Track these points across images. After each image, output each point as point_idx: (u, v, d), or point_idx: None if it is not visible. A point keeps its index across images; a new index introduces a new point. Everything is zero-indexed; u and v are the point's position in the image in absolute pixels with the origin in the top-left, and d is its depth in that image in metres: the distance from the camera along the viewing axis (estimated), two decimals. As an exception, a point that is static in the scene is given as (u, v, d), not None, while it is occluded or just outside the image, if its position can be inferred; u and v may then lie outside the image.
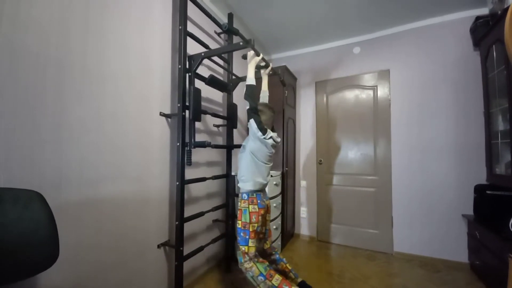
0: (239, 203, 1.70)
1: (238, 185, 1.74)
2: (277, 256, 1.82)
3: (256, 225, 1.62)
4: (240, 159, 1.74)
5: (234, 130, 2.41)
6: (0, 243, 0.82)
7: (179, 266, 1.65)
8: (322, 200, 3.14)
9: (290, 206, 3.06)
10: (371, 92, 2.91)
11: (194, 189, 2.06)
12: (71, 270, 1.19)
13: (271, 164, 1.79)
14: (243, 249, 1.61)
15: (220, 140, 2.45)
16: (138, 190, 1.58)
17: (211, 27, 2.27)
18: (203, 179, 1.96)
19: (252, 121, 1.62)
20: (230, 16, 2.38)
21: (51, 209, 0.96)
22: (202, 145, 1.73)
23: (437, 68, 2.57)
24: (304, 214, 3.24)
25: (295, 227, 3.29)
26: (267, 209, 1.77)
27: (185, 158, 1.72)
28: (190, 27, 1.95)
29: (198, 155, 2.10)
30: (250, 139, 1.68)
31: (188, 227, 1.90)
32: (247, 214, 1.63)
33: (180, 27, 1.76)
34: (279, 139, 1.75)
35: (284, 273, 1.72)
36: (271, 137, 1.66)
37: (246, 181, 1.68)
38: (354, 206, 2.93)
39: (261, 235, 1.78)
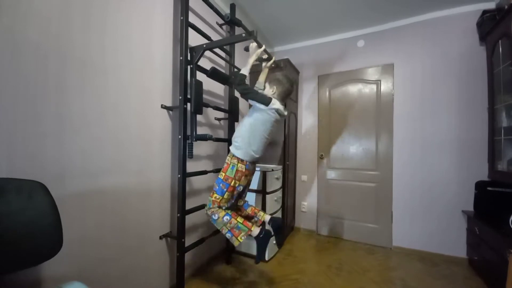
0: (228, 157, 1.66)
1: (230, 147, 1.68)
2: (246, 203, 1.86)
3: (238, 183, 1.62)
4: (240, 124, 1.69)
5: (236, 123, 2.40)
6: (4, 233, 0.83)
7: (180, 257, 1.67)
8: (323, 195, 3.15)
9: (290, 200, 3.07)
10: (374, 87, 2.88)
11: (195, 182, 2.07)
12: (75, 259, 1.21)
13: (270, 138, 1.72)
14: (216, 197, 1.60)
15: (221, 134, 2.45)
16: (140, 182, 1.58)
17: (213, 18, 2.23)
18: (204, 172, 1.97)
19: (251, 100, 1.59)
20: (233, 7, 2.34)
21: (54, 200, 0.96)
22: (204, 138, 1.73)
23: (442, 62, 2.53)
24: (305, 208, 3.26)
25: (295, 221, 3.31)
26: (252, 171, 1.75)
27: (187, 151, 1.72)
28: (192, 18, 1.93)
29: (199, 148, 2.10)
30: (254, 110, 1.63)
31: (190, 219, 1.92)
32: (234, 170, 1.60)
33: (182, 18, 1.73)
34: (286, 112, 1.69)
35: (252, 216, 1.80)
36: (277, 110, 1.60)
37: (239, 148, 1.62)
38: (354, 200, 2.94)
39: (241, 194, 1.79)
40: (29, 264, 0.91)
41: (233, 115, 2.29)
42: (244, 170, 1.62)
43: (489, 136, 2.22)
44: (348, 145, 3.01)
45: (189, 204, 1.85)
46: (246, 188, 1.82)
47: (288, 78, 1.71)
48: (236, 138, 1.65)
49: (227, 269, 2.21)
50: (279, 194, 2.62)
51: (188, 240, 1.84)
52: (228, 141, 2.32)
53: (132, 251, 1.54)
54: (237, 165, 1.61)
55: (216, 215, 1.58)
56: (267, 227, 1.70)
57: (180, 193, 1.70)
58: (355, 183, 2.95)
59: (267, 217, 1.77)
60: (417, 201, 2.61)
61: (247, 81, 1.68)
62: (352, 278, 2.09)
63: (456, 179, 2.44)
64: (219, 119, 2.34)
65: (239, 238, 1.54)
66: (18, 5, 1.01)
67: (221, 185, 1.61)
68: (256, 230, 1.56)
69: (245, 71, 1.64)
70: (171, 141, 1.83)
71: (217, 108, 2.11)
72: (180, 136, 1.71)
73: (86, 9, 1.26)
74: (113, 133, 1.41)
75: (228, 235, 1.56)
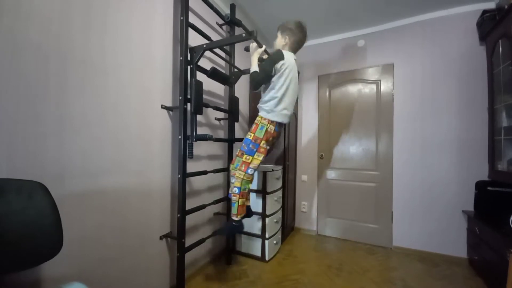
0: (258, 118, 1.66)
1: (260, 113, 1.68)
2: None
3: (266, 144, 1.64)
4: (265, 90, 1.70)
5: (236, 123, 2.41)
6: (4, 233, 0.83)
7: (180, 257, 1.67)
8: (323, 195, 3.15)
9: (290, 200, 3.07)
10: (374, 87, 2.88)
11: (195, 182, 2.07)
12: (75, 260, 1.21)
13: (296, 95, 1.74)
14: (246, 158, 1.61)
15: (222, 134, 2.45)
16: (140, 182, 1.58)
17: (213, 18, 2.23)
18: (204, 172, 1.97)
19: (268, 73, 1.61)
20: (233, 7, 2.34)
21: (54, 200, 0.96)
22: (204, 138, 1.73)
23: (442, 62, 2.53)
24: (305, 208, 3.25)
25: (295, 221, 3.31)
26: (279, 135, 1.77)
27: (187, 151, 1.72)
28: (192, 18, 1.93)
29: (199, 148, 2.10)
30: (277, 74, 1.63)
31: (190, 220, 1.92)
32: (263, 131, 1.61)
33: (182, 18, 1.73)
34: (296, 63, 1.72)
35: None
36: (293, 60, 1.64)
37: (270, 112, 1.63)
38: (354, 200, 2.94)
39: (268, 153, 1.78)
40: (29, 264, 0.91)
41: (233, 115, 2.29)
42: (273, 131, 1.64)
43: (489, 136, 2.23)
44: (348, 145, 3.01)
45: (189, 204, 1.85)
46: (268, 153, 1.80)
47: (301, 26, 1.69)
48: (265, 103, 1.66)
49: (227, 269, 2.21)
50: (279, 194, 2.62)
51: (188, 240, 1.83)
52: (229, 141, 2.33)
53: (132, 252, 1.53)
54: (267, 125, 1.62)
55: (234, 180, 1.65)
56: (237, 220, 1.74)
57: (180, 193, 1.70)
58: (355, 183, 2.95)
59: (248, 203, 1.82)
60: (417, 201, 2.61)
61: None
62: (352, 279, 2.09)
63: (456, 179, 2.44)
64: (219, 119, 2.34)
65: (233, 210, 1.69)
66: (19, 5, 1.01)
67: (250, 145, 1.62)
68: (236, 218, 1.69)
69: (255, 68, 1.67)
70: (171, 141, 1.83)
71: (217, 108, 2.11)
72: (180, 136, 1.71)
73: (87, 9, 1.26)
74: (113, 133, 1.41)
75: (229, 196, 1.72)
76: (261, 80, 1.63)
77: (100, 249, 1.34)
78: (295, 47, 1.71)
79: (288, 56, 1.65)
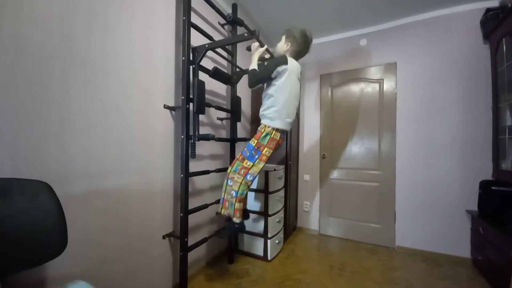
0: (262, 126, 1.65)
1: (263, 121, 1.66)
2: None
3: (270, 151, 1.61)
4: (265, 97, 1.68)
5: (238, 123, 2.41)
6: (9, 233, 0.84)
7: (183, 256, 1.68)
8: (325, 194, 3.14)
9: (292, 199, 3.07)
10: (377, 86, 2.87)
11: (198, 182, 2.08)
12: (78, 259, 1.22)
13: (298, 101, 1.75)
14: (247, 164, 1.59)
15: (224, 134, 2.45)
16: (143, 182, 1.59)
17: (215, 18, 2.24)
18: (206, 172, 1.97)
19: (267, 74, 1.60)
20: (234, 7, 2.34)
21: (59, 200, 0.97)
22: (206, 138, 1.73)
23: (445, 61, 2.51)
24: (307, 207, 3.25)
25: (297, 221, 3.31)
26: (282, 141, 1.75)
27: (189, 151, 1.72)
28: (194, 18, 1.93)
29: (202, 148, 2.10)
30: (277, 79, 1.62)
31: (192, 219, 1.92)
32: (267, 138, 1.60)
33: (184, 18, 1.74)
34: (300, 69, 1.71)
35: None
36: (293, 67, 1.62)
37: (274, 119, 1.61)
38: (356, 200, 2.94)
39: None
40: (34, 263, 0.91)
41: (235, 115, 2.29)
42: (278, 138, 1.63)
43: (493, 135, 2.21)
44: (350, 145, 3.00)
45: (192, 204, 1.86)
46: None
47: (305, 37, 1.68)
48: (267, 110, 1.64)
49: (229, 268, 2.21)
50: (281, 193, 2.62)
51: (191, 240, 1.84)
52: (231, 141, 2.33)
53: (136, 251, 1.54)
54: (272, 132, 1.60)
55: (231, 182, 1.61)
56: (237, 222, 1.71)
57: (183, 192, 1.70)
58: (358, 182, 2.94)
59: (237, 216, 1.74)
60: (420, 201, 2.60)
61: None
62: (355, 278, 2.08)
63: (460, 178, 2.43)
64: (221, 119, 2.35)
65: (222, 210, 1.69)
66: (21, 6, 1.02)
67: (252, 151, 1.60)
68: (237, 220, 1.67)
69: (254, 66, 1.66)
70: (174, 141, 1.83)
71: (219, 108, 2.12)
72: (182, 136, 1.72)
73: (88, 10, 1.26)
74: (116, 133, 1.42)
75: (221, 200, 1.70)
76: (260, 79, 1.63)
77: (104, 249, 1.35)
78: (295, 56, 1.70)
79: (292, 63, 1.64)
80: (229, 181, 1.65)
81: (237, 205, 1.63)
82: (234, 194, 1.62)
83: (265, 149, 1.60)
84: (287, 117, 1.65)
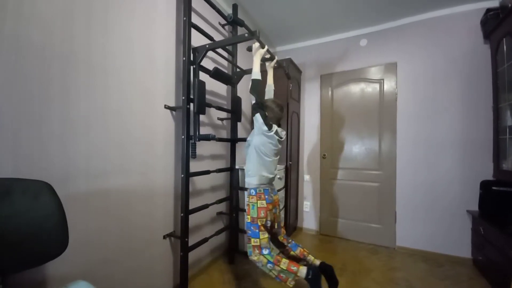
0: (247, 198, 1.71)
1: (246, 180, 1.75)
2: (293, 243, 1.84)
3: (264, 219, 1.63)
4: (246, 155, 1.76)
5: (238, 123, 2.41)
6: (10, 233, 0.84)
7: (184, 256, 1.68)
8: (325, 194, 3.14)
9: (293, 200, 3.07)
10: (377, 86, 2.87)
11: (198, 182, 2.08)
12: (79, 259, 1.22)
13: (278, 157, 1.80)
14: (254, 241, 1.61)
15: (224, 134, 2.45)
16: (143, 182, 1.59)
17: (216, 19, 2.24)
18: (207, 172, 1.97)
19: (258, 115, 1.62)
20: (235, 7, 2.35)
21: (60, 200, 0.97)
22: (207, 138, 1.73)
23: (446, 61, 2.51)
24: (307, 208, 3.25)
25: (298, 221, 3.31)
26: (275, 204, 1.77)
27: (190, 151, 1.73)
28: (195, 18, 1.93)
29: (202, 148, 2.10)
30: (255, 134, 1.69)
31: (193, 219, 1.93)
32: (255, 209, 1.64)
33: (185, 18, 1.74)
34: (284, 134, 1.76)
35: (301, 259, 1.75)
36: (276, 132, 1.66)
37: (252, 176, 1.69)
38: (357, 200, 2.93)
39: (271, 230, 1.76)
40: (35, 263, 0.92)
41: (235, 115, 2.29)
42: (265, 205, 1.65)
43: (494, 135, 2.20)
44: (351, 145, 3.00)
45: (193, 204, 1.86)
46: (275, 222, 1.79)
47: (275, 102, 1.76)
48: (247, 168, 1.72)
49: (230, 269, 2.21)
50: (282, 194, 2.63)
51: (192, 240, 1.84)
52: (231, 141, 2.33)
53: (136, 251, 1.55)
54: (257, 203, 1.65)
55: (260, 263, 1.58)
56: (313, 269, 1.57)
57: (184, 193, 1.71)
58: (358, 183, 2.94)
59: (317, 262, 1.71)
60: (421, 201, 2.60)
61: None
62: (355, 279, 2.08)
63: (461, 178, 2.42)
64: (222, 119, 2.35)
65: (288, 283, 1.52)
66: (21, 7, 1.02)
67: (252, 227, 1.63)
68: (303, 271, 1.51)
69: (257, 75, 1.65)
70: (174, 141, 1.84)
71: (220, 108, 2.12)
72: (183, 136, 1.72)
73: (88, 11, 1.27)
74: (117, 134, 1.42)
75: (277, 280, 1.55)
76: (257, 98, 1.64)
77: (104, 249, 1.35)
78: (274, 122, 1.72)
79: (274, 130, 1.66)
80: (258, 264, 1.59)
81: (282, 265, 1.53)
82: (271, 266, 1.54)
83: (258, 220, 1.62)
84: (267, 172, 1.71)
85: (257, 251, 1.59)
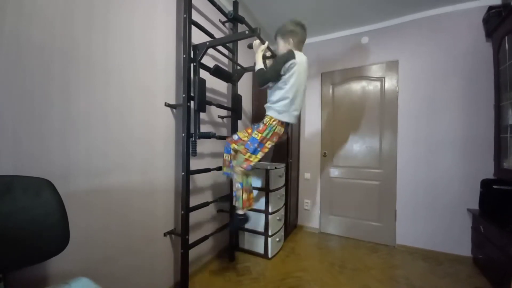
0: (267, 119, 1.65)
1: (269, 112, 1.66)
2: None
3: (272, 144, 1.67)
4: (274, 89, 1.67)
5: (239, 121, 2.41)
6: (11, 230, 0.84)
7: (184, 253, 1.69)
8: (326, 192, 3.14)
9: (293, 197, 3.07)
10: (378, 84, 2.86)
11: (199, 180, 2.08)
12: (80, 256, 1.23)
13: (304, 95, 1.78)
14: (249, 156, 1.64)
15: (225, 132, 2.45)
16: (144, 180, 1.60)
17: (216, 16, 2.23)
18: (207, 170, 1.97)
19: (275, 75, 1.60)
20: (235, 4, 2.33)
21: (61, 197, 0.97)
22: (207, 136, 1.73)
23: (448, 59, 2.50)
24: (308, 206, 3.26)
25: (298, 219, 3.32)
26: (282, 136, 1.79)
27: (190, 149, 1.73)
28: (195, 16, 1.92)
29: (202, 146, 2.10)
30: (285, 79, 1.61)
31: (194, 217, 1.93)
32: (271, 132, 1.63)
33: (185, 16, 1.73)
34: (305, 57, 1.71)
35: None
36: (301, 61, 1.63)
37: (281, 112, 1.63)
38: (357, 199, 2.94)
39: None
40: (36, 260, 0.92)
41: (236, 113, 2.29)
42: (281, 132, 1.67)
43: (495, 133, 2.20)
44: (351, 143, 3.00)
45: (193, 202, 1.86)
46: None
47: (300, 24, 1.70)
48: (276, 103, 1.64)
49: (230, 266, 2.22)
50: (282, 192, 2.63)
51: (192, 237, 1.85)
52: (231, 139, 2.33)
53: (137, 248, 1.55)
54: (276, 127, 1.64)
55: (235, 175, 1.68)
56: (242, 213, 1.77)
57: (184, 190, 1.71)
58: (359, 181, 2.94)
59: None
60: (421, 199, 2.60)
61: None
62: (355, 276, 2.09)
63: (461, 177, 2.42)
64: (222, 117, 2.35)
65: (234, 203, 1.77)
66: (21, 6, 1.01)
67: (256, 144, 1.64)
68: (241, 212, 1.74)
69: (260, 65, 1.67)
70: (175, 139, 1.84)
71: (220, 106, 2.11)
72: (183, 134, 1.72)
73: (89, 9, 1.26)
74: (117, 131, 1.42)
75: (234, 194, 1.76)
76: (270, 78, 1.62)
77: (105, 246, 1.35)
78: (300, 46, 1.71)
79: (300, 56, 1.63)
80: (235, 175, 1.70)
81: (244, 195, 1.69)
82: (240, 186, 1.68)
83: (268, 142, 1.65)
84: (295, 110, 1.67)
85: (245, 166, 1.65)
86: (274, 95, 1.66)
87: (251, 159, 1.65)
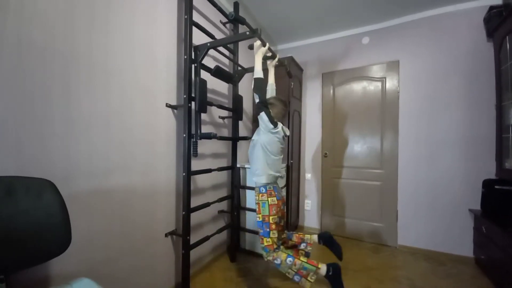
0: (257, 196, 1.70)
1: (254, 179, 1.74)
2: (288, 233, 1.85)
3: (276, 217, 1.64)
4: (251, 154, 1.75)
5: (240, 122, 2.41)
6: (14, 231, 0.85)
7: (186, 254, 1.69)
8: (327, 193, 3.14)
9: (294, 198, 3.07)
10: (379, 84, 2.85)
11: (200, 180, 2.08)
12: (82, 257, 1.23)
13: (282, 156, 1.80)
14: (267, 241, 1.61)
15: (226, 132, 2.45)
16: (145, 181, 1.60)
17: (217, 17, 2.24)
18: (208, 171, 1.97)
19: (263, 114, 1.62)
20: (236, 5, 2.34)
21: (63, 198, 0.98)
22: (208, 136, 1.73)
23: (449, 59, 2.50)
24: (309, 206, 3.25)
25: (299, 219, 3.31)
26: (283, 200, 1.77)
27: (191, 150, 1.73)
28: (196, 17, 1.93)
29: (204, 146, 2.11)
30: (261, 132, 1.68)
31: (195, 217, 1.93)
32: (266, 207, 1.64)
33: (186, 17, 1.74)
34: (288, 132, 1.76)
35: (300, 243, 1.81)
36: (281, 129, 1.68)
37: (260, 175, 1.69)
38: (358, 199, 2.93)
39: (280, 227, 1.72)
40: (38, 261, 0.92)
41: (237, 113, 2.29)
42: (276, 202, 1.66)
43: (496, 133, 2.19)
44: (352, 144, 2.99)
45: (194, 202, 1.86)
46: (282, 218, 1.77)
47: (279, 99, 1.77)
48: (254, 167, 1.72)
49: (232, 267, 2.22)
50: (283, 192, 2.62)
51: (193, 238, 1.85)
52: (233, 140, 2.33)
53: (138, 249, 1.55)
54: (268, 200, 1.65)
55: (279, 260, 1.56)
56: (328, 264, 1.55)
57: (185, 191, 1.71)
58: (360, 181, 2.93)
59: (314, 237, 1.78)
60: (422, 200, 2.59)
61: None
62: (357, 277, 2.08)
63: (463, 177, 2.41)
64: (223, 118, 2.35)
65: (308, 278, 1.50)
66: (23, 7, 1.02)
67: (264, 227, 1.63)
68: (323, 268, 1.51)
69: (259, 74, 1.66)
70: (176, 140, 1.84)
71: (221, 107, 2.12)
72: (184, 135, 1.72)
73: (90, 10, 1.27)
74: (118, 132, 1.42)
75: (296, 278, 1.52)
76: (261, 97, 1.64)
77: (107, 247, 1.35)
78: (279, 117, 1.73)
79: (279, 125, 1.68)
80: (276, 262, 1.57)
81: (303, 258, 1.55)
82: (292, 260, 1.54)
83: (270, 217, 1.63)
84: (274, 171, 1.71)
85: (272, 250, 1.60)
86: (253, 163, 1.74)
87: (269, 243, 1.60)
